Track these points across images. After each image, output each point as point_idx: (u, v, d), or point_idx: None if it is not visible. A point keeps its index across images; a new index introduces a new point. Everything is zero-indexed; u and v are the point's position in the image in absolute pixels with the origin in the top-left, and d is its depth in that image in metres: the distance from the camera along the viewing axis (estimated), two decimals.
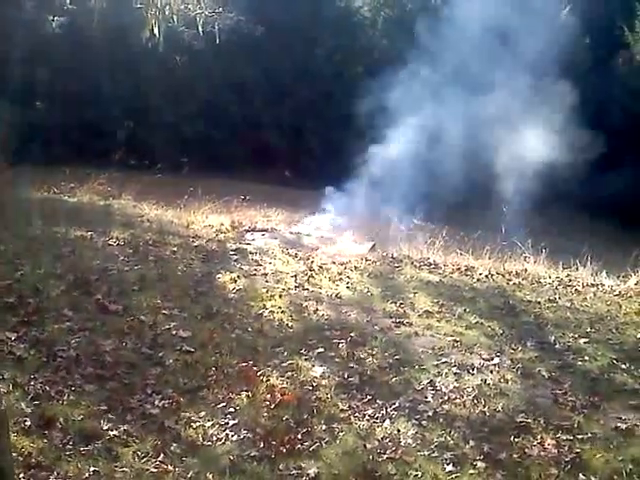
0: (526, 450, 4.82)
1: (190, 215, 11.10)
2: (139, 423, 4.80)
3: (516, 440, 4.93)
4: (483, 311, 7.41)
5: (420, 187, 11.86)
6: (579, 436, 5.01)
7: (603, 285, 8.79)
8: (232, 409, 5.08)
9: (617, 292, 8.49)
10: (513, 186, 12.18)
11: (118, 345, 5.85)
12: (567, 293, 8.33)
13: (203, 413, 5.00)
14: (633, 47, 19.58)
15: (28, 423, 4.60)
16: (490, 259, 9.68)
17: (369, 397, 5.39)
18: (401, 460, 4.61)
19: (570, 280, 8.92)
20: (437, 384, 5.66)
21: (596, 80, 18.11)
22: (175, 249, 8.61)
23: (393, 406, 5.27)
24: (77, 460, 4.32)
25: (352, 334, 6.45)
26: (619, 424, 5.19)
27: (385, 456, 4.65)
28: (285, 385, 5.45)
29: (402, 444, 4.79)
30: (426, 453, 4.71)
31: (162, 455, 4.45)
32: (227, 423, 4.90)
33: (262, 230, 10.70)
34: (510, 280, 8.70)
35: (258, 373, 5.58)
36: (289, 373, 5.66)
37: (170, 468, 4.34)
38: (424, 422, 5.07)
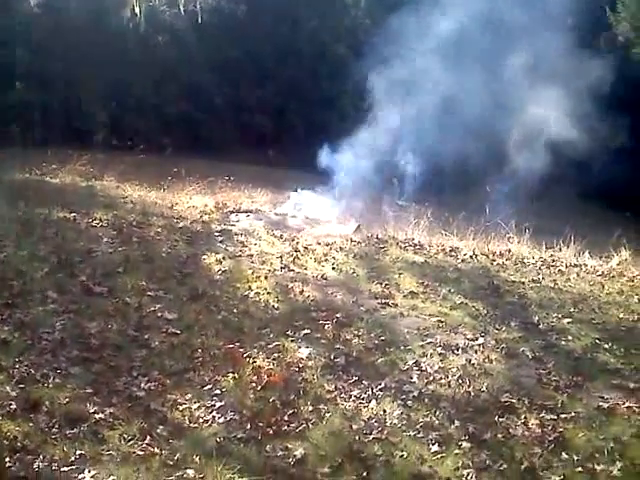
0: (510, 430, 4.87)
1: (174, 196, 11.05)
2: (125, 406, 4.79)
3: (500, 420, 4.98)
4: (467, 291, 7.46)
5: (405, 168, 11.87)
6: (562, 415, 5.07)
7: (586, 265, 8.89)
8: (218, 391, 5.08)
9: (600, 272, 8.59)
10: (498, 167, 12.20)
11: (103, 327, 5.82)
12: (550, 273, 8.41)
13: (189, 395, 5.00)
14: (615, 28, 19.62)
15: (13, 407, 4.58)
16: (474, 240, 9.74)
17: (355, 378, 5.42)
18: (387, 440, 4.65)
19: (553, 260, 9.01)
20: (422, 364, 5.70)
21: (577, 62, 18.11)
22: (159, 230, 8.56)
23: (379, 387, 5.30)
24: (63, 443, 4.30)
25: (338, 315, 6.47)
26: (601, 403, 5.26)
27: (371, 437, 4.68)
28: (271, 366, 5.46)
29: (388, 425, 4.83)
30: (412, 433, 4.75)
31: (148, 438, 4.44)
32: (213, 405, 4.90)
33: (247, 211, 10.68)
34: (494, 260, 8.77)
35: (244, 355, 5.58)
36: (275, 354, 5.66)
37: (156, 451, 4.33)
38: (410, 402, 5.11)
